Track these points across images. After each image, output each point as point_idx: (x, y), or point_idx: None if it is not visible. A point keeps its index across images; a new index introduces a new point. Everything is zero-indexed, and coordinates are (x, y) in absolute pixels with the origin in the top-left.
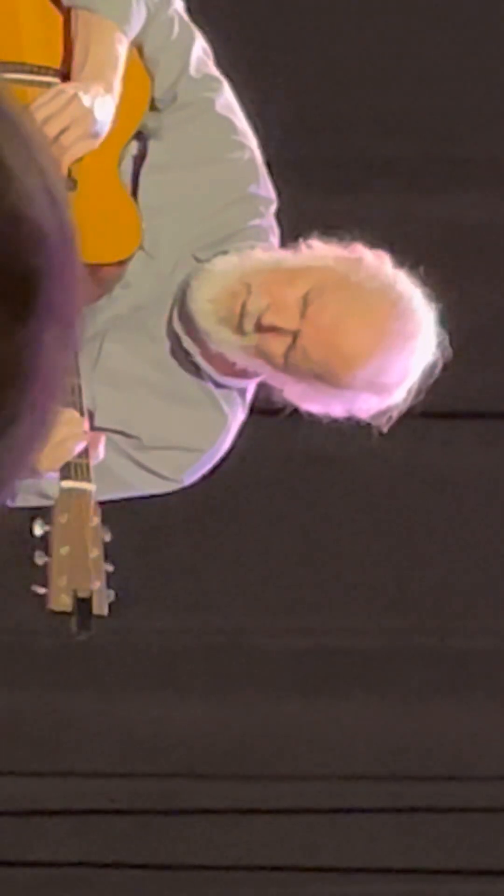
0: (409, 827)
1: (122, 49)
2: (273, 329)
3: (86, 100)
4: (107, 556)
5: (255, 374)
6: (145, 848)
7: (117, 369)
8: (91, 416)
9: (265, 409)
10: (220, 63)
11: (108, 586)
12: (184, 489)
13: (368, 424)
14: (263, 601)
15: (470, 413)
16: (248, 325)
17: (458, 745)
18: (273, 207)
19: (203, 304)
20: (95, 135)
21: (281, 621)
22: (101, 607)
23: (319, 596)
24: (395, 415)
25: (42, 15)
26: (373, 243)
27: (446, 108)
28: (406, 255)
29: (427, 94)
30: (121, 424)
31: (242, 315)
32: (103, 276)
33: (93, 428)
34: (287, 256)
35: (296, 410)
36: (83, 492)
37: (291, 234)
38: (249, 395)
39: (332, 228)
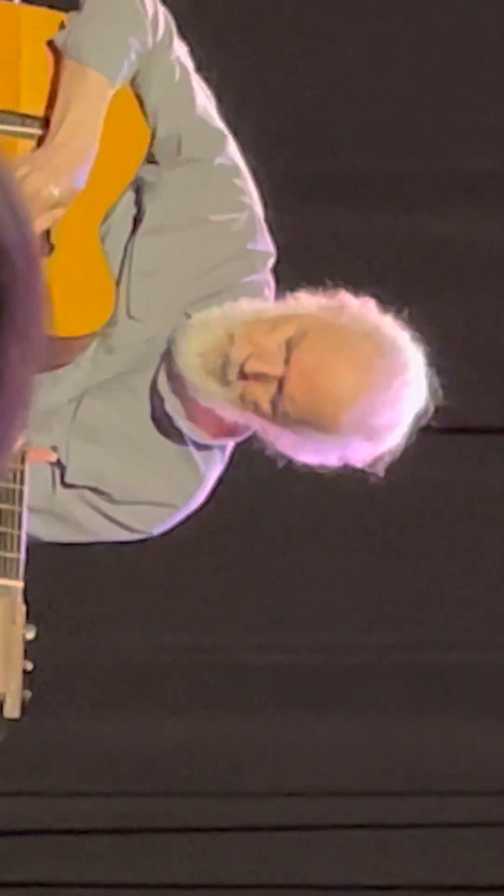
0: (392, 843)
1: (105, 105)
2: (257, 377)
3: (37, 179)
4: (26, 654)
5: (245, 430)
6: (129, 867)
7: (95, 424)
8: (62, 471)
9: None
10: (208, 79)
11: (25, 686)
12: None
13: (364, 472)
14: (246, 618)
15: (452, 429)
16: (232, 375)
17: (442, 760)
18: (271, 261)
19: (190, 359)
20: (53, 206)
21: (264, 638)
22: (13, 710)
23: (302, 612)
24: (388, 459)
25: (45, 60)
26: (357, 258)
27: (431, 124)
28: (392, 270)
29: (413, 110)
30: (93, 480)
31: (225, 365)
32: (70, 346)
33: (63, 484)
34: (269, 306)
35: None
36: (10, 588)
37: (277, 247)
38: (229, 450)
39: (317, 242)
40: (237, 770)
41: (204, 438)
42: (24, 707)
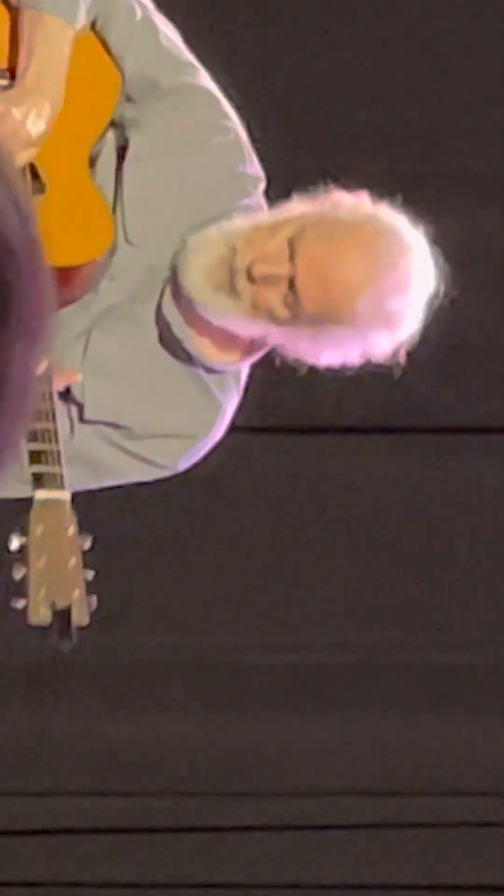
0: (393, 842)
1: (67, 47)
2: (265, 279)
3: (17, 113)
4: (86, 564)
5: (256, 350)
6: (130, 867)
7: (106, 360)
8: (80, 409)
9: (251, 427)
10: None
11: (89, 593)
12: (170, 506)
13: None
14: (247, 618)
15: (448, 428)
16: (240, 283)
17: (442, 760)
18: (262, 185)
19: (196, 278)
20: (31, 144)
21: (265, 638)
22: (81, 617)
23: (303, 613)
24: (406, 350)
25: (2, 20)
26: None
27: (431, 125)
28: None
29: (413, 110)
30: (111, 415)
31: (232, 275)
32: (78, 277)
33: (82, 421)
34: (264, 216)
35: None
36: (58, 501)
37: None
38: (243, 379)
39: None
40: (238, 770)
41: (214, 362)
42: (92, 615)
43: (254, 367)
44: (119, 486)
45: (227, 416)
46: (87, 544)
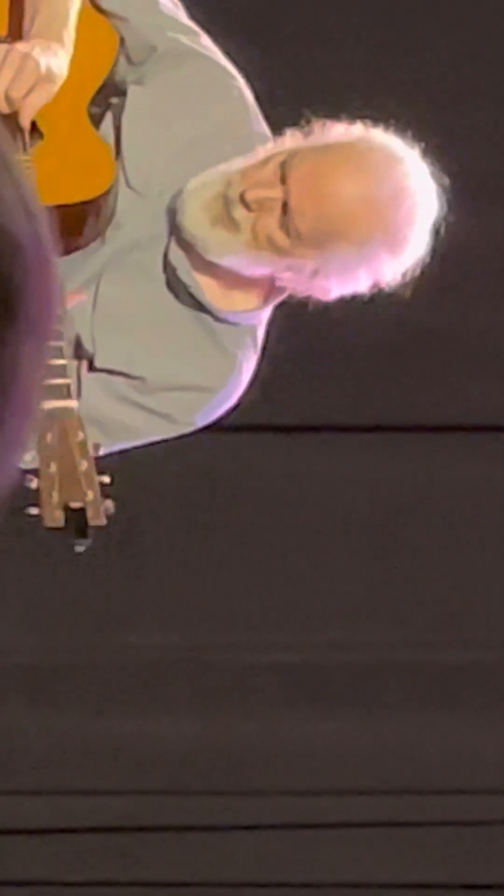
0: (398, 841)
1: (74, 3)
2: (260, 204)
3: (34, 52)
4: (100, 471)
5: (272, 295)
6: (131, 866)
7: (116, 311)
8: (91, 360)
9: (255, 426)
10: None
11: (104, 496)
12: (170, 505)
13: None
14: (248, 617)
15: (452, 427)
16: (237, 212)
17: (446, 759)
18: (269, 145)
19: (194, 215)
20: (49, 81)
21: (265, 637)
22: (97, 517)
23: (305, 612)
24: (418, 271)
25: None
26: None
27: (429, 125)
28: None
29: (412, 111)
30: (123, 365)
31: (227, 207)
32: (82, 220)
33: (92, 369)
34: (259, 151)
35: (294, 428)
36: (65, 409)
37: None
38: (261, 335)
39: None
40: (239, 768)
41: (225, 311)
42: (110, 516)
43: (255, 367)
44: (118, 486)
45: (244, 371)
46: (101, 451)
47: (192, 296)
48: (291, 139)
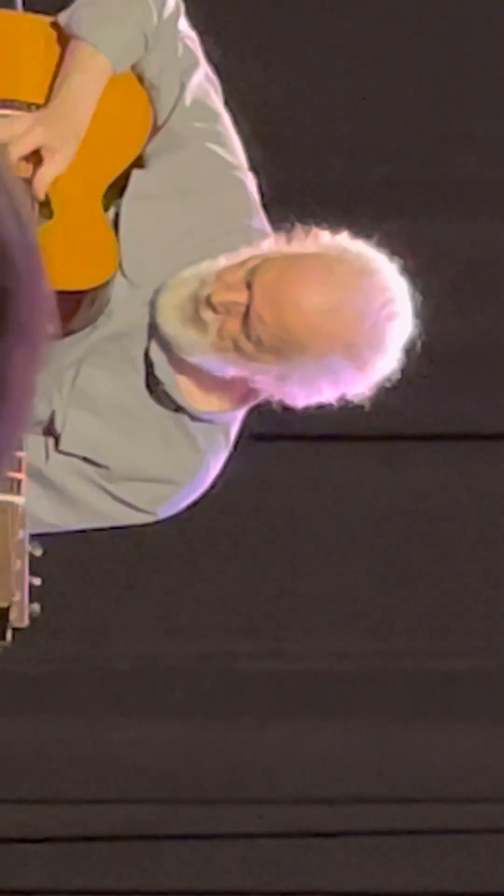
0: (396, 849)
1: (102, 85)
2: (227, 308)
3: (42, 131)
4: (34, 572)
5: (248, 398)
6: (129, 874)
7: (94, 393)
8: (56, 440)
9: (253, 434)
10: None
11: (32, 599)
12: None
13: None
14: (247, 625)
15: (448, 436)
16: (204, 313)
17: (440, 767)
18: (267, 241)
19: (167, 313)
20: (54, 161)
21: (263, 645)
22: (20, 619)
23: (303, 620)
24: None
25: (45, 49)
26: None
27: (429, 131)
28: None
29: (407, 118)
30: (89, 451)
31: (197, 307)
32: (79, 302)
33: (57, 451)
34: (242, 251)
35: (291, 437)
36: (10, 504)
37: None
38: (234, 432)
39: None
40: (237, 777)
41: (200, 410)
42: (33, 619)
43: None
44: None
45: (212, 467)
46: (39, 552)
47: (165, 391)
48: (271, 244)
